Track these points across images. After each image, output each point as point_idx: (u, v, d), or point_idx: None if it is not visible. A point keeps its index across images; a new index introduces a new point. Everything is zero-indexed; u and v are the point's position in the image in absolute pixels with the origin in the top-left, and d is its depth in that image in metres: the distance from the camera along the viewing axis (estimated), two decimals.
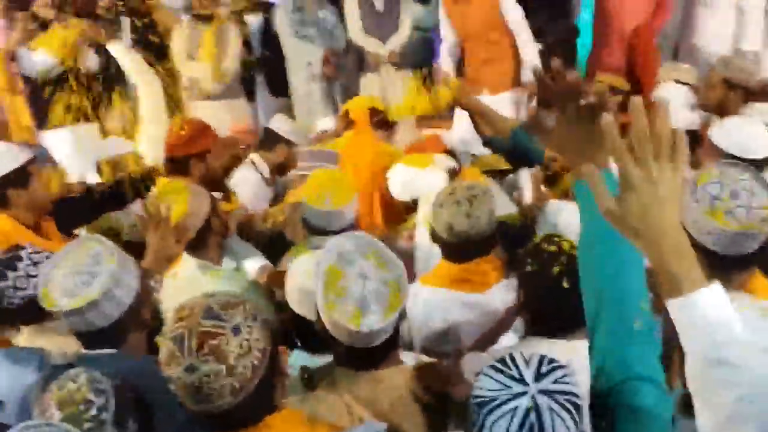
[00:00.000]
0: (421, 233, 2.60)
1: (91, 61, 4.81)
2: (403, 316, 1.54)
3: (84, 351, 1.69)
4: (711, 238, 1.67)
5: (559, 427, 1.18)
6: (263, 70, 5.20)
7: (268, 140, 3.71)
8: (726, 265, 1.68)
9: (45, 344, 1.82)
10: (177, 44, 4.83)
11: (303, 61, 4.95)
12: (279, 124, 3.76)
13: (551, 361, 1.26)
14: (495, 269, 2.19)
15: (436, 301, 2.15)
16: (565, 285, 1.70)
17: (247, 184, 3.10)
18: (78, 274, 1.61)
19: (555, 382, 1.22)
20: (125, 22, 4.94)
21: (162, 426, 1.50)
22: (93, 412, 1.32)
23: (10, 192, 2.59)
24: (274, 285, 2.23)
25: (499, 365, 1.26)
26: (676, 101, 3.27)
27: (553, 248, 1.78)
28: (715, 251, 1.68)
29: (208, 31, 4.77)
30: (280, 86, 5.12)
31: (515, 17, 4.31)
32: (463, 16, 4.41)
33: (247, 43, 5.06)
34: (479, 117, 3.18)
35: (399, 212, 2.98)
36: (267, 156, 3.55)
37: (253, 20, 5.21)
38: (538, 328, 1.80)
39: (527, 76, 4.32)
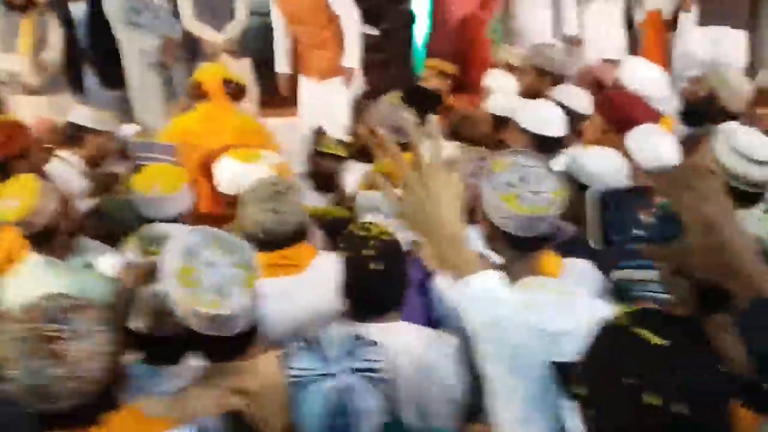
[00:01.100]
0: None
1: None
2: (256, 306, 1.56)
3: None
4: (506, 221, 1.78)
5: (365, 403, 1.25)
6: (92, 60, 4.94)
7: (74, 133, 3.38)
8: (522, 246, 1.81)
9: None
10: None
11: (137, 49, 4.75)
12: (81, 114, 3.42)
13: (358, 338, 1.32)
14: (308, 251, 2.22)
15: None
16: (372, 267, 1.79)
17: (64, 181, 2.94)
18: None
19: (361, 360, 1.28)
20: None
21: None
22: None
23: None
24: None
25: (310, 345, 1.30)
26: (501, 88, 3.47)
27: (363, 233, 1.86)
28: (512, 233, 1.79)
29: (26, 22, 4.44)
30: (113, 77, 4.90)
31: (339, 1, 4.30)
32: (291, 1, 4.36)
33: (71, 34, 4.77)
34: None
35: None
36: (78, 151, 3.33)
37: (78, 8, 4.91)
38: (353, 312, 1.87)
39: (348, 61, 4.38)
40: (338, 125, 4.30)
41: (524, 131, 2.82)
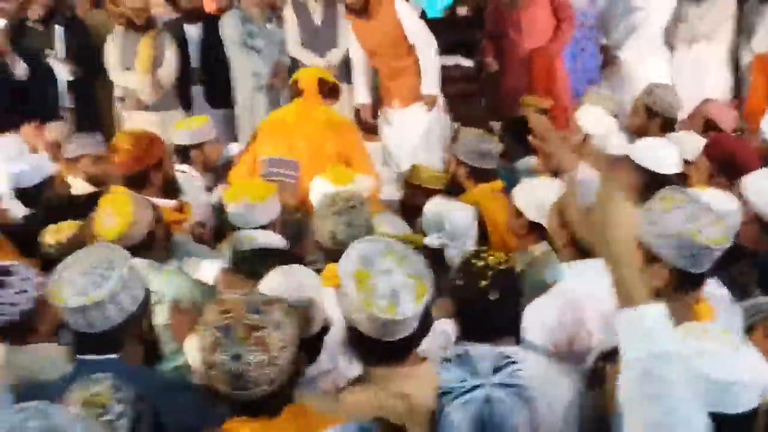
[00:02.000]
0: None
1: (19, 69, 4.68)
2: (428, 314, 1.64)
3: (83, 356, 1.72)
4: (687, 254, 1.77)
5: (509, 417, 1.29)
6: (202, 80, 5.13)
7: (178, 154, 3.61)
8: (690, 282, 1.82)
9: (23, 361, 1.88)
10: (111, 54, 4.75)
11: (249, 72, 4.91)
12: (182, 136, 3.62)
13: (506, 357, 1.37)
14: None
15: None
16: (491, 297, 1.87)
17: (190, 192, 3.13)
18: (89, 275, 1.68)
19: (508, 375, 1.33)
20: (59, 31, 4.82)
21: None
22: (110, 416, 1.36)
23: None
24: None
25: (459, 359, 1.37)
26: (598, 126, 3.48)
27: (481, 263, 1.93)
28: (684, 270, 1.79)
29: (144, 41, 4.70)
30: (219, 97, 5.09)
31: (415, 32, 4.39)
32: (367, 32, 4.46)
33: (184, 54, 5.00)
34: None
35: None
36: (196, 166, 3.53)
37: (192, 30, 5.14)
38: (468, 335, 1.94)
39: (427, 88, 4.47)
40: (418, 150, 4.41)
41: (639, 168, 2.81)
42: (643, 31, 4.64)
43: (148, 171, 2.80)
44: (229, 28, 4.92)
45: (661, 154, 2.87)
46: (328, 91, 3.73)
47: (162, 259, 2.46)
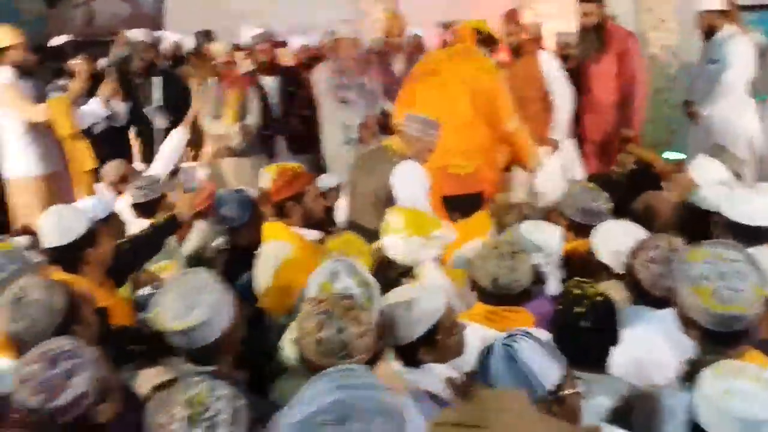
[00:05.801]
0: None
1: (123, 115, 4.92)
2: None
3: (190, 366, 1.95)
4: (698, 315, 1.72)
5: None
6: (283, 127, 5.31)
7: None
8: (716, 340, 1.74)
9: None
10: (202, 105, 4.97)
11: (340, 123, 4.99)
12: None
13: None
14: (524, 319, 2.31)
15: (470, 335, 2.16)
16: (582, 324, 1.91)
17: None
18: (184, 299, 1.88)
19: None
20: (157, 81, 5.06)
21: None
22: (211, 413, 1.48)
23: (85, 252, 2.57)
24: None
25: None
26: (709, 177, 3.42)
27: (578, 291, 1.99)
28: (704, 326, 1.73)
29: (231, 92, 4.94)
30: (300, 144, 5.26)
31: (554, 81, 4.56)
32: (513, 72, 4.59)
33: (264, 103, 5.20)
34: None
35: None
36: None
37: (270, 81, 5.33)
38: None
39: (555, 133, 4.59)
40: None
41: (730, 221, 2.65)
42: (721, 87, 4.65)
43: (286, 202, 2.93)
44: (322, 80, 5.04)
45: (755, 206, 2.65)
46: (484, 40, 4.15)
47: None
